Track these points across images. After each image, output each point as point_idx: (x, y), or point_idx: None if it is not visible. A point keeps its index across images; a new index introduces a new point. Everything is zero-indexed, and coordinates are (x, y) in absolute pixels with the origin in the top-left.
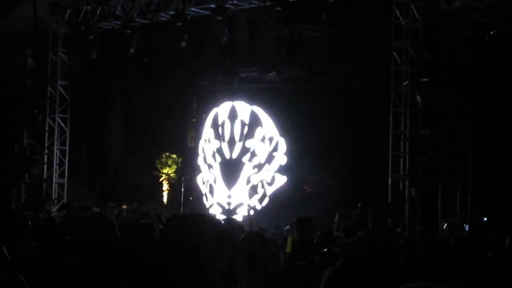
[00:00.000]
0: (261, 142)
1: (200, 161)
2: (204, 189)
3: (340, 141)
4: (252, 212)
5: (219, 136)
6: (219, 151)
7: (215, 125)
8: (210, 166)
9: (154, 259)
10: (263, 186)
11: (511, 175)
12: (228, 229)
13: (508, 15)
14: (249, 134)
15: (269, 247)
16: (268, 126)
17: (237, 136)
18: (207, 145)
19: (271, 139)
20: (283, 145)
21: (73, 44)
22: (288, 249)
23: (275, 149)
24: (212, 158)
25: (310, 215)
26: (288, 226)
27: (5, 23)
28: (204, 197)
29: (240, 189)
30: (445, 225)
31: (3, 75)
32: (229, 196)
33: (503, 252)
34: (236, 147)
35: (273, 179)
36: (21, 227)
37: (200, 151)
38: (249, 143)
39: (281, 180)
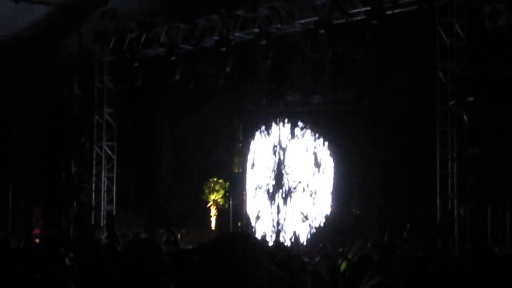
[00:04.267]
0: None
1: (248, 186)
2: (252, 215)
3: (387, 161)
4: (299, 236)
5: (266, 163)
6: (268, 177)
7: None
8: (258, 193)
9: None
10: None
11: None
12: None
13: None
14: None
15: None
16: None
17: (287, 163)
18: (255, 171)
19: (319, 165)
20: (330, 169)
21: (119, 72)
22: (342, 268)
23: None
24: (260, 185)
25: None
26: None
27: (51, 52)
28: (252, 223)
29: (288, 215)
30: None
31: (49, 104)
32: (278, 223)
33: None
34: (285, 174)
35: (320, 203)
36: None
37: (248, 176)
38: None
39: (328, 203)
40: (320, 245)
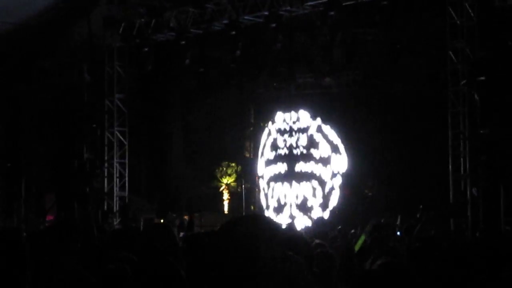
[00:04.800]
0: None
1: (260, 170)
2: (264, 198)
3: (398, 142)
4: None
5: (278, 147)
6: (280, 161)
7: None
8: (269, 177)
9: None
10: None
11: None
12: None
13: None
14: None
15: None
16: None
17: (298, 149)
18: (266, 155)
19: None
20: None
21: (129, 57)
22: (357, 248)
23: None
24: (272, 168)
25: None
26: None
27: (61, 38)
28: (265, 207)
29: (301, 198)
30: None
31: (60, 91)
32: (291, 205)
33: None
34: (297, 159)
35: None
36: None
37: (260, 160)
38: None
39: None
40: (339, 227)
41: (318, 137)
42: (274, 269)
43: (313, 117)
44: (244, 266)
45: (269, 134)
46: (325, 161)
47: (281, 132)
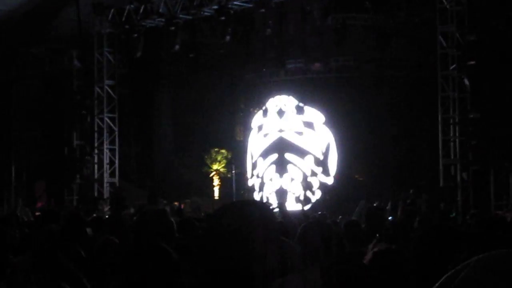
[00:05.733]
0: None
1: (249, 156)
2: (255, 183)
3: (388, 128)
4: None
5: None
6: (270, 148)
7: (264, 123)
8: (259, 161)
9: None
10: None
11: None
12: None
13: None
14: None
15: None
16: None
17: (288, 134)
18: (257, 141)
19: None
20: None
21: (118, 43)
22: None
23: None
24: (262, 154)
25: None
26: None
27: (50, 25)
28: (255, 191)
29: (292, 184)
30: None
31: (50, 77)
32: (281, 191)
33: None
34: (287, 145)
35: (324, 172)
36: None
37: (249, 146)
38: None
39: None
40: (319, 213)
41: (307, 121)
42: (266, 253)
43: (302, 102)
44: (236, 251)
45: (259, 118)
46: (314, 146)
47: (271, 116)
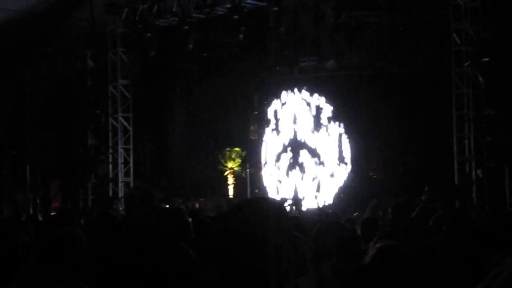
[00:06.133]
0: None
1: (264, 154)
2: (269, 182)
3: (402, 125)
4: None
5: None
6: (285, 146)
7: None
8: (274, 160)
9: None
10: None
11: None
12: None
13: None
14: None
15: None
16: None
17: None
18: (271, 139)
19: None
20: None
21: (132, 43)
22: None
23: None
24: (276, 152)
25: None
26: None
27: (64, 25)
28: (269, 190)
29: (307, 182)
30: None
31: (64, 78)
32: (295, 190)
33: None
34: (301, 143)
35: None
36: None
37: (264, 144)
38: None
39: (346, 169)
40: (330, 211)
41: (321, 119)
42: (281, 251)
43: (315, 100)
44: (251, 250)
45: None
46: (328, 144)
47: (285, 114)
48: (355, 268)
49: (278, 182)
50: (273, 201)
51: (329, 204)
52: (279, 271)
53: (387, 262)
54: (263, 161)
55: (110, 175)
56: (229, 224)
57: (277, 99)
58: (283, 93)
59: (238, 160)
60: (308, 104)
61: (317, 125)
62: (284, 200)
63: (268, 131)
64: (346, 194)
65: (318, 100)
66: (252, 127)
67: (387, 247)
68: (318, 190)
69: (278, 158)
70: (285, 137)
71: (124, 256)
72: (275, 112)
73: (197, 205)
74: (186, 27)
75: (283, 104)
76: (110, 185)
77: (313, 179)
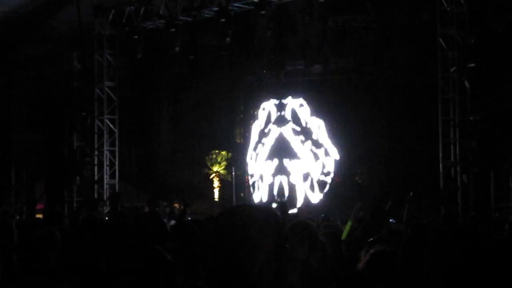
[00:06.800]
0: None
1: (249, 157)
2: (254, 185)
3: (388, 130)
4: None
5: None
6: (270, 149)
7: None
8: (259, 163)
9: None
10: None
11: None
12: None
13: None
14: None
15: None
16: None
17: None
18: (257, 142)
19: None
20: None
21: (118, 45)
22: (344, 236)
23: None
24: (262, 156)
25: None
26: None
27: (50, 26)
28: (254, 193)
29: (291, 186)
30: None
31: (50, 79)
32: (281, 193)
33: None
34: (287, 146)
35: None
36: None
37: (249, 147)
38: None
39: (331, 174)
40: (322, 215)
41: (307, 123)
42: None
43: (301, 104)
44: (240, 256)
45: (259, 120)
46: (313, 148)
47: (270, 118)
48: (349, 273)
49: (262, 185)
50: (259, 208)
51: (314, 207)
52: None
53: (380, 267)
54: (248, 164)
55: (96, 177)
56: (217, 231)
57: (263, 103)
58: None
59: (224, 163)
60: (295, 107)
61: (302, 128)
62: (270, 203)
63: (253, 134)
64: (330, 198)
65: (303, 105)
66: (238, 131)
67: (381, 253)
68: (304, 192)
69: (263, 161)
70: (270, 140)
71: (108, 258)
72: (262, 115)
73: (180, 207)
74: (173, 29)
75: (265, 111)
76: (96, 187)
77: (299, 181)
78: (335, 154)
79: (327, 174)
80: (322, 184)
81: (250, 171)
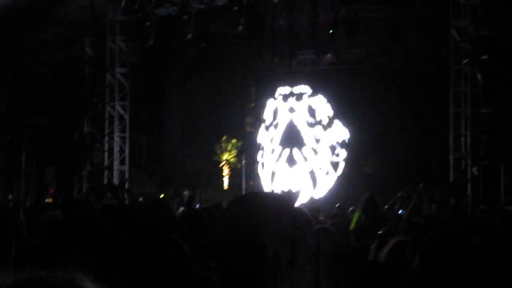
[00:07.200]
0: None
1: (259, 146)
2: (264, 174)
3: (399, 121)
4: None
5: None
6: (281, 139)
7: (274, 114)
8: (269, 152)
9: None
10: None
11: None
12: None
13: None
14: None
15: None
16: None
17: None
18: (267, 131)
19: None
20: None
21: (130, 31)
22: (352, 226)
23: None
24: (272, 145)
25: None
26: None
27: (62, 12)
28: (264, 182)
29: (300, 177)
30: None
31: (61, 65)
32: (290, 182)
33: None
34: (297, 136)
35: (334, 165)
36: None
37: (259, 136)
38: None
39: (342, 164)
40: (337, 205)
41: (318, 113)
42: (280, 248)
43: (314, 93)
44: (249, 245)
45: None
46: (324, 138)
47: (282, 107)
48: (367, 263)
49: (272, 174)
50: (272, 196)
51: (324, 198)
52: (276, 266)
53: (402, 257)
54: (258, 153)
55: (106, 163)
56: (227, 220)
57: (274, 91)
58: (279, 88)
59: (234, 152)
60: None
61: (314, 117)
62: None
63: (264, 123)
64: (341, 189)
65: (316, 97)
66: (248, 119)
67: (402, 243)
68: (314, 185)
69: (273, 150)
70: (281, 129)
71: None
72: (273, 104)
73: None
74: (185, 16)
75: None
76: (105, 173)
77: (308, 171)
78: (346, 137)
79: (337, 155)
80: (335, 165)
81: (259, 162)
